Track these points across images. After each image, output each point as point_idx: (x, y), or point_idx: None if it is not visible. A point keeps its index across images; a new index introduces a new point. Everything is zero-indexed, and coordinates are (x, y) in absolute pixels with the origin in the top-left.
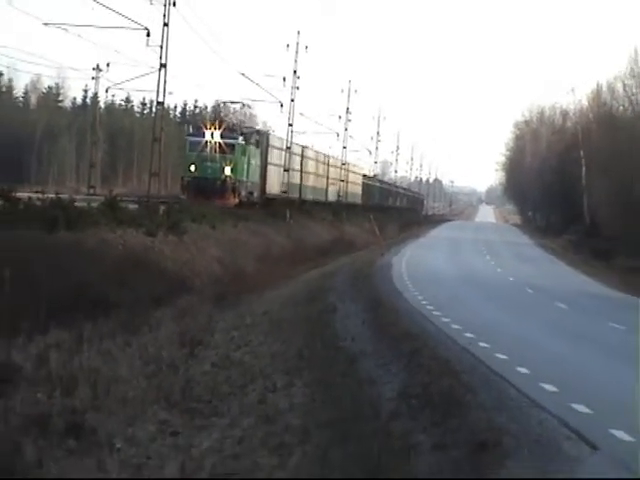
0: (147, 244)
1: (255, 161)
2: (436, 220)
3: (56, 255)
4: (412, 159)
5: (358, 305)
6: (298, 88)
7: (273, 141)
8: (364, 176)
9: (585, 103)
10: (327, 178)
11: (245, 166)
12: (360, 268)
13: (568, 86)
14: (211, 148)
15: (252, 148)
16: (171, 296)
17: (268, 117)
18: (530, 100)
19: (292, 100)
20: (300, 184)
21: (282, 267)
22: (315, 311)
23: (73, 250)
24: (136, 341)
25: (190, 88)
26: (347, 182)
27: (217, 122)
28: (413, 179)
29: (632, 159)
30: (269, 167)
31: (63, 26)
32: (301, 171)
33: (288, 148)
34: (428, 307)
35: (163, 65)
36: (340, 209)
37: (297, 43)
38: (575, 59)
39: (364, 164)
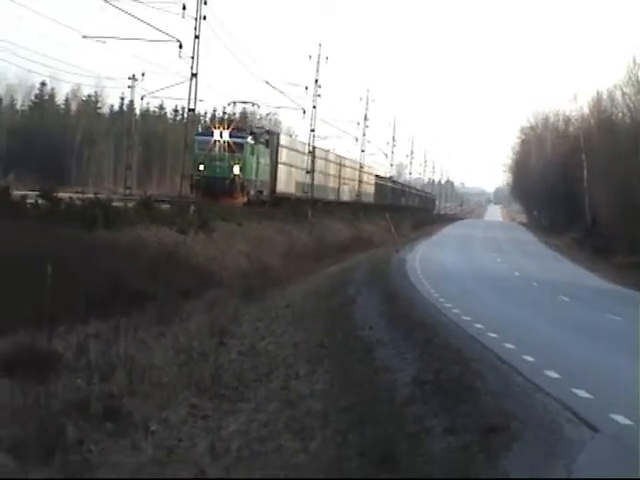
0: (179, 241)
1: (264, 160)
2: (448, 219)
3: (95, 251)
4: (425, 162)
5: (375, 298)
6: (319, 96)
7: (283, 141)
8: (377, 176)
9: (586, 110)
10: (339, 178)
11: (254, 165)
12: (377, 264)
13: (571, 94)
14: (220, 147)
15: (261, 147)
16: (201, 289)
17: (292, 123)
18: (535, 106)
19: (314, 107)
20: (312, 184)
21: (304, 263)
22: (335, 303)
23: (111, 246)
24: (169, 331)
25: (220, 95)
26: (360, 182)
27: (226, 121)
28: (427, 180)
29: (630, 163)
30: (279, 166)
31: (101, 39)
32: (312, 171)
33: (310, 152)
34: (440, 300)
35: (194, 75)
36: (358, 208)
37: (318, 55)
38: (577, 68)
39: (381, 167)
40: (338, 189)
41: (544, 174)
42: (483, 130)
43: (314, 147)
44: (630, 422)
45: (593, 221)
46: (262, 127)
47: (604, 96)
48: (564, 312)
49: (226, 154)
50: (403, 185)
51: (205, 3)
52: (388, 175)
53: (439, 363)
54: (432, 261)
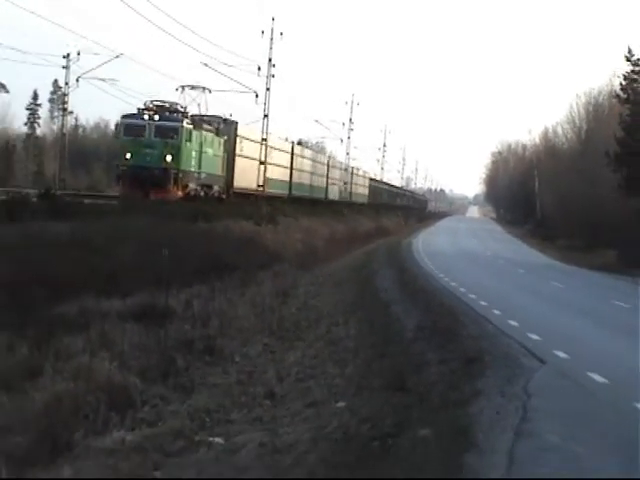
0: (255, 230)
1: (214, 150)
2: (440, 215)
3: (197, 237)
4: (426, 176)
5: (391, 270)
6: (352, 130)
7: (243, 132)
8: (371, 179)
9: (537, 140)
10: (327, 178)
11: (194, 154)
12: (392, 247)
13: (526, 128)
14: (150, 132)
15: (208, 135)
16: (270, 264)
17: (333, 148)
18: (502, 137)
19: (348, 137)
20: (290, 181)
21: (341, 246)
22: (363, 274)
23: (208, 234)
24: (248, 292)
25: (282, 129)
26: (351, 183)
27: (158, 103)
28: (426, 188)
29: (566, 178)
30: (238, 159)
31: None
32: (291, 168)
33: (346, 168)
34: (435, 271)
35: (266, 115)
36: (378, 208)
37: (352, 100)
38: (531, 108)
39: (394, 179)
40: (326, 188)
41: (508, 184)
42: (466, 152)
43: (293, 143)
44: (568, 356)
45: (542, 217)
46: (218, 115)
47: (550, 130)
48: (521, 280)
49: (157, 140)
50: (398, 188)
51: (274, 66)
52: (400, 185)
53: (434, 315)
54: (430, 244)
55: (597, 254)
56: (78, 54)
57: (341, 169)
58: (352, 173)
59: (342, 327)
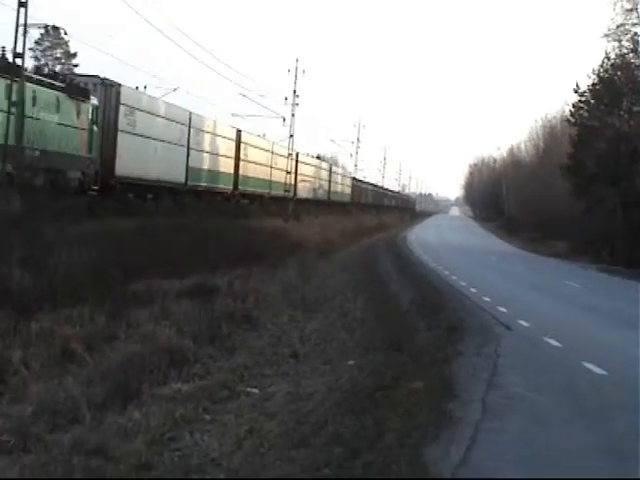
0: (283, 226)
1: (61, 118)
2: (428, 214)
3: (237, 231)
4: (417, 183)
5: (389, 257)
6: (359, 147)
7: (132, 100)
8: (354, 179)
9: (505, 155)
10: (296, 175)
11: (10, 119)
12: (391, 238)
13: (496, 145)
14: None
15: (45, 94)
16: (295, 252)
17: (344, 161)
18: (477, 152)
19: (357, 153)
20: (236, 174)
21: (350, 238)
22: (367, 260)
23: (246, 228)
24: (277, 274)
25: (304, 146)
26: (330, 182)
27: None
28: (417, 193)
29: (528, 184)
30: (122, 136)
31: (240, 115)
32: (237, 159)
33: (322, 167)
34: (425, 257)
35: (291, 135)
36: (377, 207)
37: (359, 123)
38: (500, 129)
39: (392, 186)
40: (294, 185)
41: (482, 189)
42: (449, 163)
43: (239, 131)
44: (529, 325)
45: (509, 215)
46: (95, 75)
47: (515, 147)
48: (493, 264)
49: None
50: (385, 189)
51: (297, 96)
52: (397, 190)
53: (424, 292)
54: (421, 237)
55: (551, 244)
56: (145, 88)
57: (316, 166)
58: (330, 172)
59: (352, 302)
